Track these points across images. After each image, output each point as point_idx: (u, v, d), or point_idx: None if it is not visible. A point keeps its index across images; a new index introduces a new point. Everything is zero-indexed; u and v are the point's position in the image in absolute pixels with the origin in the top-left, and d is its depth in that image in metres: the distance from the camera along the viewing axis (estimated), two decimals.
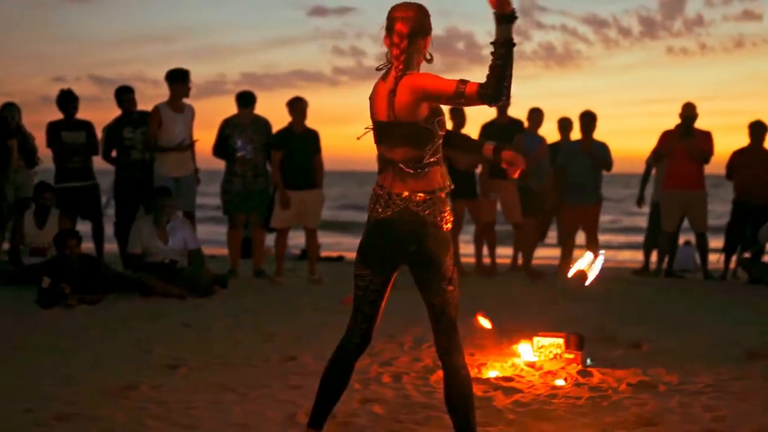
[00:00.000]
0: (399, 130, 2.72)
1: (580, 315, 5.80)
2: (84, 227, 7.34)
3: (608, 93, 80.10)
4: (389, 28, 2.75)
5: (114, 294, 6.20)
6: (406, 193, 2.73)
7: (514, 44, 2.53)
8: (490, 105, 2.61)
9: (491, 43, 2.56)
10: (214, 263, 7.86)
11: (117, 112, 7.43)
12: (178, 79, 7.14)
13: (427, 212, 2.73)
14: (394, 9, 2.77)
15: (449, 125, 8.79)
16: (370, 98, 2.81)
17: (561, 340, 4.37)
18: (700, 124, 8.08)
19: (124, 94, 7.40)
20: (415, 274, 2.80)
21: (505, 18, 2.53)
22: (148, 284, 6.32)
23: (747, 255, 8.10)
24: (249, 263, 7.64)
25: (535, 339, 4.44)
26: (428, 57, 2.78)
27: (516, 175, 2.88)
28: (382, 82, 2.77)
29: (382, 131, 2.78)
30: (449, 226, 2.78)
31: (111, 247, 7.88)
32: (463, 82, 2.60)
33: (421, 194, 2.73)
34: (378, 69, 2.79)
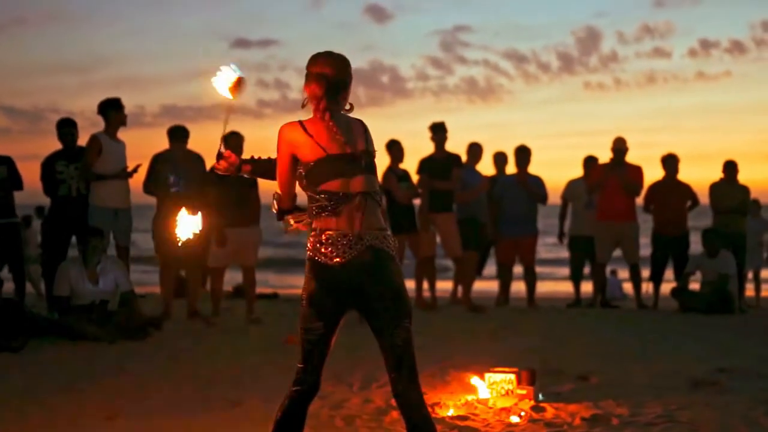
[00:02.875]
0: (369, 159, 2.72)
1: (523, 348, 5.78)
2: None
3: (529, 126, 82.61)
4: (308, 81, 2.67)
5: (37, 339, 5.83)
6: (366, 231, 2.68)
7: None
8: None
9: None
10: (146, 303, 7.54)
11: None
12: (114, 107, 6.93)
13: (389, 246, 2.71)
14: (313, 63, 2.67)
15: (387, 159, 8.57)
16: (308, 134, 2.65)
17: (512, 376, 4.32)
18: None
19: (67, 128, 7.05)
20: (379, 315, 2.67)
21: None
22: (76, 328, 5.97)
23: (676, 285, 8.32)
24: (183, 303, 7.35)
25: (487, 375, 4.38)
26: (348, 108, 2.73)
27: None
28: (328, 120, 2.65)
29: (349, 162, 2.67)
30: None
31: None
32: None
33: (377, 230, 2.70)
34: (304, 106, 2.70)
